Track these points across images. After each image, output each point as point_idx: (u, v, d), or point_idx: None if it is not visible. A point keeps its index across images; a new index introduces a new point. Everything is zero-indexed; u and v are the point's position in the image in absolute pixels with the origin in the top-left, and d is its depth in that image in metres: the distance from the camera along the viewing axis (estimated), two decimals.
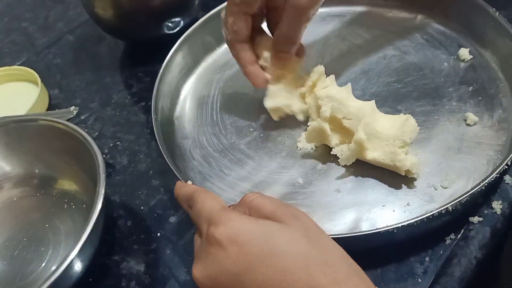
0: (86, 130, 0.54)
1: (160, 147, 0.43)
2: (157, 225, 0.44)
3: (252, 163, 0.46)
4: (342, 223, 0.39)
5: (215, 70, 0.56)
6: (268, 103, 0.46)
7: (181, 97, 0.54)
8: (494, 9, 0.48)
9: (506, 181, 0.40)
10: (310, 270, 0.27)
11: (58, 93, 0.60)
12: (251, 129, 0.48)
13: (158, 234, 0.43)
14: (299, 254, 0.28)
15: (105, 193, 0.39)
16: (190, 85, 0.55)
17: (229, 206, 0.33)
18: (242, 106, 0.51)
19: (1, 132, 0.45)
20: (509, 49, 0.46)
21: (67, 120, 0.53)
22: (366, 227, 0.39)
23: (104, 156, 0.51)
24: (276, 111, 0.46)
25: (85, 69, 0.63)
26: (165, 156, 0.42)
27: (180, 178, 0.40)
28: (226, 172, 0.46)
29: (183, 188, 0.36)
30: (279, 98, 0.46)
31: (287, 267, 0.27)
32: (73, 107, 0.55)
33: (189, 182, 0.40)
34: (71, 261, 0.36)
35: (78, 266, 0.38)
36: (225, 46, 0.58)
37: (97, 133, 0.54)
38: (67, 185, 0.47)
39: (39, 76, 0.58)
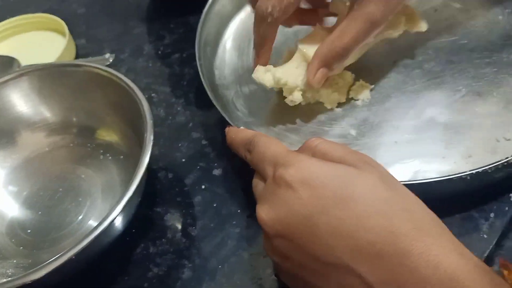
0: None
1: (209, 93, 0.42)
2: (201, 178, 0.42)
3: (300, 114, 0.44)
4: (401, 175, 0.38)
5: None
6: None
7: (220, 47, 0.52)
8: None
9: None
10: (389, 216, 0.26)
11: (85, 43, 0.58)
12: None
13: (203, 187, 0.42)
14: (377, 199, 0.26)
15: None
16: (229, 35, 0.53)
17: None
18: (284, 58, 0.49)
19: (42, 76, 0.42)
20: None
21: None
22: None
23: None
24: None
25: (112, 19, 0.60)
26: (214, 103, 0.41)
27: (232, 123, 0.39)
28: (273, 123, 0.44)
29: (240, 132, 0.35)
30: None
31: (365, 211, 0.26)
32: (108, 54, 0.52)
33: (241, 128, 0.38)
34: (117, 216, 0.34)
35: (123, 219, 0.36)
36: None
37: None
38: (107, 135, 0.45)
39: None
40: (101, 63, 0.49)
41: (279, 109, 0.45)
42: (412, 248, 0.25)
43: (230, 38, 0.53)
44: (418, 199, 0.28)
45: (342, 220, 0.26)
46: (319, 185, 0.27)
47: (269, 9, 0.39)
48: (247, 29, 0.53)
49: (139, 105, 0.39)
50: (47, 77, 0.43)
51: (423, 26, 0.44)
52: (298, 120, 0.44)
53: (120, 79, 0.41)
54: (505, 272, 0.31)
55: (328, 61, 0.40)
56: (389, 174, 0.29)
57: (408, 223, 0.26)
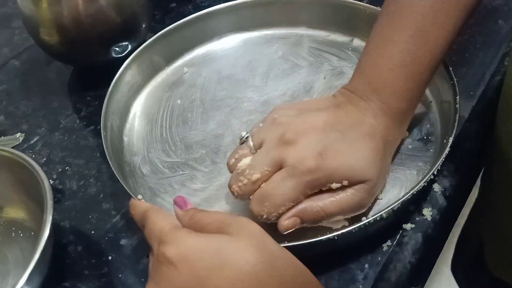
0: (33, 156, 0.53)
1: (110, 162, 0.44)
2: (108, 249, 0.44)
3: (201, 178, 0.47)
4: (288, 234, 0.41)
5: (164, 89, 0.57)
6: None
7: (131, 115, 0.55)
8: None
9: (434, 189, 0.43)
10: (258, 276, 0.29)
11: (4, 120, 0.59)
12: (200, 146, 0.50)
13: (110, 258, 0.43)
14: (247, 262, 0.29)
15: (54, 220, 0.39)
16: (140, 103, 0.56)
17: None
18: (191, 123, 0.53)
19: None
20: None
21: (13, 147, 0.53)
22: (310, 236, 0.40)
23: (52, 181, 0.51)
24: None
25: (32, 95, 0.62)
26: (114, 172, 0.43)
27: (130, 193, 0.41)
28: (176, 187, 0.47)
29: (137, 207, 0.37)
30: None
31: (238, 276, 0.29)
32: (19, 134, 0.54)
33: (139, 197, 0.40)
34: None
35: None
36: (174, 65, 0.59)
37: (45, 159, 0.53)
38: (14, 213, 0.46)
39: None
40: (11, 143, 0.51)
41: (182, 174, 0.48)
42: None
43: (139, 107, 0.56)
44: (288, 253, 0.31)
45: (219, 287, 0.29)
46: (196, 258, 0.30)
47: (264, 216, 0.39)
48: (157, 99, 0.56)
49: (41, 185, 0.41)
50: None
51: None
52: (199, 184, 0.47)
53: (23, 158, 0.43)
54: None
55: None
56: (261, 233, 0.32)
57: (275, 279, 0.29)
